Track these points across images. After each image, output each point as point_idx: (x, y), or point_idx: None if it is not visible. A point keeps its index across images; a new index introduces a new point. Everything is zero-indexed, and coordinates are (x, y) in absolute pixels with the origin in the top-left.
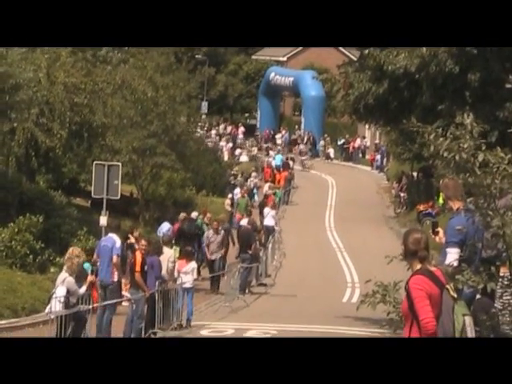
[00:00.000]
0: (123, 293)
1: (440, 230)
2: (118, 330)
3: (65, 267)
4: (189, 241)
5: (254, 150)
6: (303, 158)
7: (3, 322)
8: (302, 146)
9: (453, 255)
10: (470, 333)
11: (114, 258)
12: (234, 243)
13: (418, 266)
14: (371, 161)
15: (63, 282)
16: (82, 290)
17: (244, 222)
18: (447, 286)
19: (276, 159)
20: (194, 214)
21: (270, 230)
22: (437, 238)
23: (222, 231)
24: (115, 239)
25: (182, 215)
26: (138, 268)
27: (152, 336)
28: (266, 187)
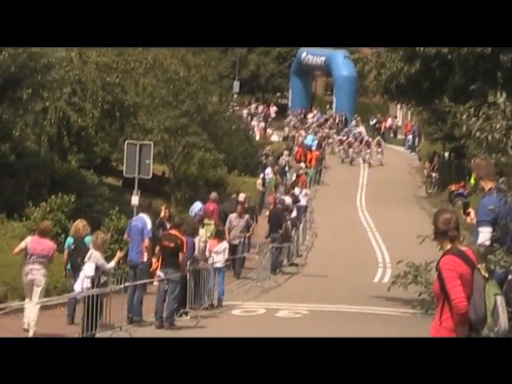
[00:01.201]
0: (158, 272)
1: (471, 210)
2: (147, 310)
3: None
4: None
5: (286, 130)
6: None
7: (37, 301)
8: (351, 139)
9: (485, 234)
10: (502, 312)
11: (146, 242)
12: (257, 221)
13: (449, 246)
14: (406, 133)
15: (90, 258)
16: (111, 264)
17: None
18: (478, 266)
19: (307, 139)
20: (242, 196)
21: (301, 210)
22: (468, 219)
23: (247, 215)
24: (146, 220)
25: (214, 195)
26: (185, 249)
27: (184, 316)
28: (297, 167)
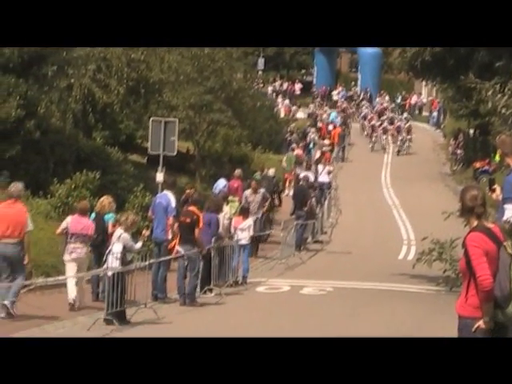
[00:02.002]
0: (176, 247)
1: (497, 187)
2: (172, 287)
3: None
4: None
5: (311, 107)
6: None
7: (61, 277)
8: (374, 122)
9: (510, 211)
10: None
11: (170, 220)
12: (280, 199)
13: (475, 223)
14: (432, 109)
15: (119, 239)
16: (138, 245)
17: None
18: (504, 244)
19: (331, 115)
20: (271, 171)
21: (324, 187)
22: (494, 195)
23: (262, 190)
24: (170, 197)
25: (238, 171)
26: (201, 225)
27: (208, 293)
28: (321, 144)
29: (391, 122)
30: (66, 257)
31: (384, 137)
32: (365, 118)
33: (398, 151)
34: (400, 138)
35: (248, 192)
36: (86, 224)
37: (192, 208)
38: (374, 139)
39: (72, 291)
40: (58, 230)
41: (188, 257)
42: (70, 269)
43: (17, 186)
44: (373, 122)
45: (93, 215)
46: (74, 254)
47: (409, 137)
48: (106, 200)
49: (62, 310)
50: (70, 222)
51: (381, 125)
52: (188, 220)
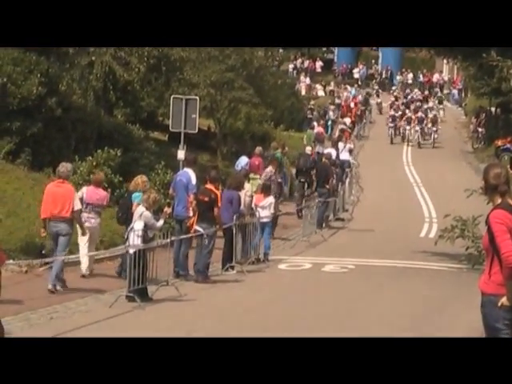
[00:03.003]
0: (195, 226)
1: None
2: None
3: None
4: (305, 175)
5: (332, 84)
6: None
7: (81, 253)
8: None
9: None
10: None
11: (191, 197)
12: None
13: (499, 201)
14: (454, 87)
15: (140, 217)
16: (160, 223)
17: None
18: None
19: (351, 92)
20: (308, 149)
21: (345, 165)
22: None
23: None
24: (190, 175)
25: (259, 149)
26: (219, 203)
27: (230, 270)
28: (341, 121)
29: (416, 111)
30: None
31: (408, 127)
32: (391, 106)
33: (419, 143)
34: (418, 128)
35: (269, 169)
36: (102, 194)
37: (210, 186)
38: (391, 132)
39: (84, 262)
40: (76, 207)
41: (206, 235)
42: (83, 238)
43: (66, 167)
44: (391, 112)
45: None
46: (88, 223)
47: (434, 128)
48: (139, 179)
49: (83, 284)
50: (85, 192)
51: (403, 115)
52: (206, 198)
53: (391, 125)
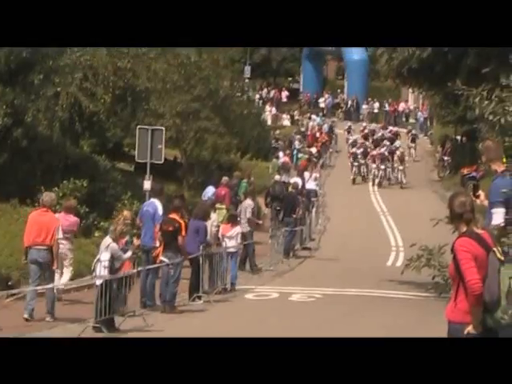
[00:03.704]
0: (160, 257)
1: (481, 192)
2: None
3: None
4: (280, 202)
5: (296, 114)
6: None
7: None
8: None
9: (499, 214)
10: None
11: (157, 227)
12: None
13: (464, 229)
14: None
15: (107, 248)
16: (128, 254)
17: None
18: (494, 249)
19: (317, 120)
20: (277, 177)
21: (311, 194)
22: (478, 201)
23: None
24: (157, 205)
25: (225, 179)
26: (184, 233)
27: (197, 300)
28: (307, 151)
29: (377, 145)
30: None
31: (374, 165)
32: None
33: (380, 183)
34: (382, 166)
35: (248, 202)
36: (71, 221)
37: (173, 215)
38: (354, 170)
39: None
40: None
41: (172, 265)
42: (66, 265)
43: (50, 196)
44: (353, 150)
45: None
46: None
47: (401, 167)
48: (126, 213)
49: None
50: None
51: (366, 154)
52: (170, 228)
53: (355, 164)
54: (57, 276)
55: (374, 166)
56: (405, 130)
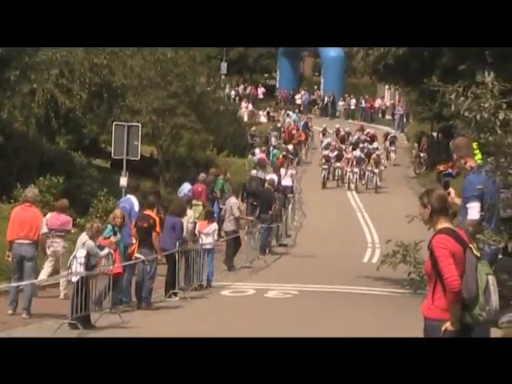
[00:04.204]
0: (135, 254)
1: (451, 190)
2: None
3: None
4: (256, 198)
5: (272, 111)
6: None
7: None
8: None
9: (474, 209)
10: (493, 292)
11: (133, 223)
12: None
13: (442, 225)
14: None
15: (83, 245)
16: (104, 252)
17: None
18: (470, 245)
19: (293, 117)
20: (254, 172)
21: (287, 191)
22: (449, 198)
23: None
24: (133, 201)
25: (202, 176)
26: (158, 229)
27: (173, 296)
28: (283, 148)
29: (354, 148)
30: (46, 251)
31: (349, 169)
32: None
33: (356, 187)
34: (356, 170)
35: (234, 201)
36: (64, 220)
37: (148, 211)
38: (324, 174)
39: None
40: (42, 230)
41: (147, 261)
42: (47, 262)
43: (33, 191)
44: (325, 152)
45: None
46: (52, 247)
47: (376, 170)
48: (118, 213)
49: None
50: (48, 218)
51: (340, 157)
52: (145, 224)
53: (325, 167)
54: (47, 271)
55: (349, 169)
56: (381, 127)
